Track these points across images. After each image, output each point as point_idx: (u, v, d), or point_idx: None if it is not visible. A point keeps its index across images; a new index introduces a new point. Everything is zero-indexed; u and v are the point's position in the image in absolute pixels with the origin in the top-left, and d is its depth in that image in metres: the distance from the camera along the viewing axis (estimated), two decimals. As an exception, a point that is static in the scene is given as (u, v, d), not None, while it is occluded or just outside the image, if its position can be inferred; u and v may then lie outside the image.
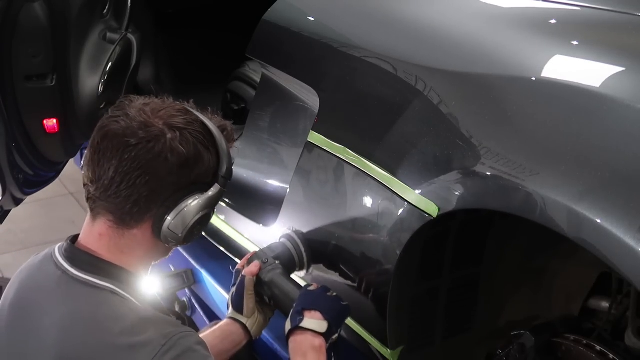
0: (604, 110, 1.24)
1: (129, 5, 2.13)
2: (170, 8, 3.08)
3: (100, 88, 2.05)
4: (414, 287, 1.60)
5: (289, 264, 1.72)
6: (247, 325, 1.64)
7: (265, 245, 1.80)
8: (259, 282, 1.65)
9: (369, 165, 1.58)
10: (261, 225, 1.98)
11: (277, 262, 1.68)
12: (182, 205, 1.32)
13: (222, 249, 2.17)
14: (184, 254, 2.27)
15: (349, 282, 1.69)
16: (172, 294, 2.40)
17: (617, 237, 1.10)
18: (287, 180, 1.87)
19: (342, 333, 1.60)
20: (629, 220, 1.10)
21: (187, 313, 2.38)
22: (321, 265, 1.75)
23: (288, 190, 1.85)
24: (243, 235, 2.06)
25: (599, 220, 1.13)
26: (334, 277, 1.72)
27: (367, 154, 1.60)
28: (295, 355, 1.49)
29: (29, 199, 2.21)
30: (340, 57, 1.73)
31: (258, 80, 2.16)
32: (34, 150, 2.01)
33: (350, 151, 1.64)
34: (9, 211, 2.19)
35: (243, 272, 1.66)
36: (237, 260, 2.09)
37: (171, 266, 2.35)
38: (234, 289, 1.67)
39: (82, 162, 1.40)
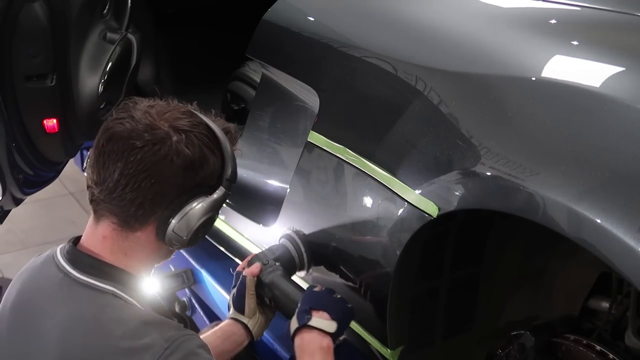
0: (604, 110, 1.24)
1: (129, 5, 2.13)
2: (170, 8, 3.08)
3: (100, 88, 2.05)
4: (414, 287, 1.60)
5: (290, 266, 1.72)
6: (249, 325, 1.64)
7: (265, 245, 1.80)
8: (260, 284, 1.65)
9: (369, 165, 1.58)
10: (261, 225, 1.98)
11: (277, 263, 1.68)
12: (187, 208, 1.32)
13: (222, 249, 2.17)
14: (184, 254, 2.28)
15: (349, 282, 1.69)
16: (172, 294, 2.40)
17: (617, 237, 1.10)
18: (287, 180, 1.87)
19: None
20: (629, 220, 1.10)
21: (187, 313, 2.38)
22: (321, 266, 1.76)
23: (288, 190, 1.85)
24: (243, 236, 2.06)
25: (599, 220, 1.13)
26: (334, 277, 1.72)
27: (367, 154, 1.60)
28: (303, 354, 1.49)
29: (29, 199, 2.21)
30: (340, 57, 1.73)
31: (258, 80, 2.16)
32: (34, 150, 2.01)
33: (350, 151, 1.64)
34: (9, 211, 2.19)
35: (244, 273, 1.66)
36: (237, 260, 2.09)
37: (171, 266, 2.36)
38: (234, 290, 1.67)
39: (84, 163, 1.40)
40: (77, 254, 1.34)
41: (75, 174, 3.39)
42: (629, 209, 1.12)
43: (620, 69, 1.31)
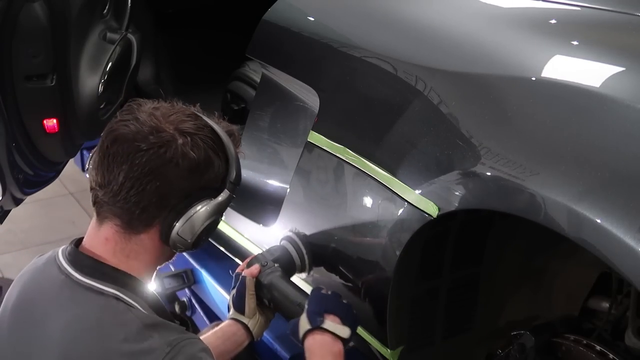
0: (604, 110, 1.24)
1: (129, 5, 2.13)
2: (170, 8, 3.08)
3: (100, 88, 2.05)
4: (414, 287, 1.60)
5: (289, 267, 1.72)
6: (249, 325, 1.64)
7: (265, 246, 1.80)
8: (259, 285, 1.65)
9: (369, 165, 1.58)
10: (261, 225, 1.98)
11: (276, 265, 1.68)
12: (192, 211, 1.32)
13: (222, 249, 2.17)
14: (184, 254, 2.27)
15: (349, 282, 1.69)
16: (172, 294, 2.41)
17: (617, 237, 1.10)
18: (287, 180, 1.87)
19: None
20: (629, 220, 1.10)
21: (187, 313, 2.38)
22: (321, 266, 1.75)
23: (288, 190, 1.85)
24: (243, 236, 2.06)
25: (599, 220, 1.13)
26: (334, 277, 1.72)
27: (367, 154, 1.60)
28: (314, 356, 1.49)
29: (29, 199, 2.21)
30: (340, 57, 1.73)
31: (258, 80, 2.16)
32: (34, 150, 2.00)
33: (350, 151, 1.64)
34: (9, 211, 2.19)
35: (243, 273, 1.66)
36: (237, 260, 2.09)
37: (171, 266, 2.36)
38: (234, 291, 1.67)
39: (87, 164, 1.39)
40: (79, 256, 1.34)
41: (75, 174, 3.39)
42: (629, 209, 1.12)
43: (620, 69, 1.31)
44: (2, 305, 1.41)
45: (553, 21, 1.53)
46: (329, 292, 1.58)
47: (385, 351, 1.63)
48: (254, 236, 2.02)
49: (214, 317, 2.26)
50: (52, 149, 2.06)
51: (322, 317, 1.51)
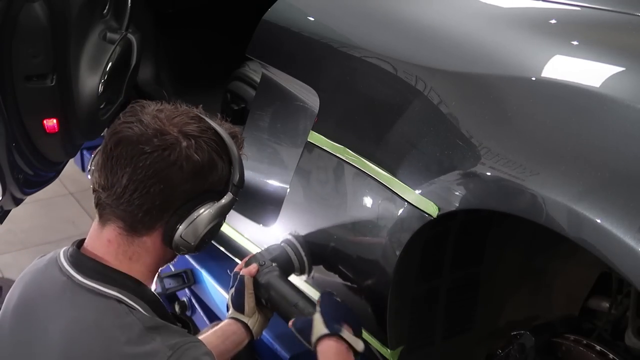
0: (604, 110, 1.24)
1: (129, 5, 2.13)
2: (170, 8, 3.08)
3: (100, 88, 2.05)
4: (413, 287, 1.60)
5: (287, 267, 1.72)
6: (249, 324, 1.64)
7: (265, 246, 1.80)
8: (256, 285, 1.65)
9: (369, 165, 1.58)
10: (261, 225, 1.98)
11: (274, 264, 1.68)
12: (195, 214, 1.32)
13: (222, 249, 2.17)
14: (184, 254, 2.27)
15: (349, 282, 1.69)
16: (172, 294, 2.40)
17: (617, 237, 1.10)
18: (287, 180, 1.87)
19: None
20: (629, 220, 1.10)
21: (187, 313, 2.38)
22: (321, 266, 1.75)
23: (288, 190, 1.85)
24: (243, 235, 2.06)
25: (599, 220, 1.13)
26: (334, 277, 1.72)
27: (367, 154, 1.60)
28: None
29: (29, 199, 2.21)
30: (340, 57, 1.73)
31: (258, 80, 2.16)
32: (34, 150, 2.00)
33: (350, 151, 1.64)
34: (9, 211, 2.19)
35: (241, 273, 1.66)
36: (237, 260, 2.09)
37: (171, 266, 2.35)
38: (232, 290, 1.67)
39: (89, 166, 1.39)
40: (81, 258, 1.34)
41: (75, 174, 3.39)
42: (629, 209, 1.12)
43: (620, 69, 1.31)
44: (3, 306, 1.40)
45: (553, 21, 1.53)
46: (339, 299, 1.58)
47: (385, 351, 1.63)
48: (254, 236, 2.02)
49: (214, 317, 2.26)
50: (52, 149, 2.06)
51: (340, 325, 1.51)
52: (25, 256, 3.34)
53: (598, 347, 1.49)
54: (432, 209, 1.42)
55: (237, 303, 1.65)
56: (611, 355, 1.48)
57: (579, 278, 1.73)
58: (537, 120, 1.31)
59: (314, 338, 1.51)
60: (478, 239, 1.61)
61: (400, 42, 1.64)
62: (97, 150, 1.35)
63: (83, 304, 1.29)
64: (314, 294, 1.77)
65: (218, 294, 2.19)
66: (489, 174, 1.32)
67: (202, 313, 2.33)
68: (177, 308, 2.38)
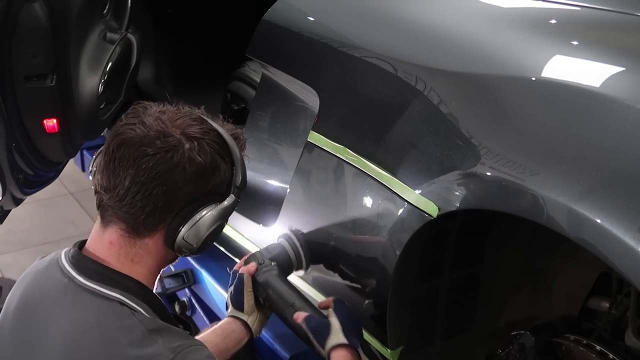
0: (604, 110, 1.24)
1: (129, 5, 2.13)
2: (170, 8, 3.08)
3: (100, 88, 2.05)
4: (413, 287, 1.60)
5: (286, 266, 1.72)
6: (249, 322, 1.63)
7: (264, 245, 1.80)
8: (254, 283, 1.65)
9: (369, 165, 1.58)
10: (261, 225, 1.98)
11: (273, 263, 1.68)
12: (197, 216, 1.32)
13: (222, 248, 2.17)
14: (184, 254, 2.27)
15: (349, 282, 1.69)
16: (172, 294, 2.40)
17: (617, 237, 1.10)
18: (287, 180, 1.87)
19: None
20: (629, 220, 1.10)
21: (187, 313, 2.38)
22: (320, 266, 1.76)
23: (288, 190, 1.85)
24: (243, 235, 2.06)
25: (599, 220, 1.13)
26: (334, 277, 1.72)
27: (367, 154, 1.60)
28: None
29: (29, 199, 2.21)
30: (340, 57, 1.73)
31: (258, 80, 2.16)
32: (34, 150, 2.01)
33: (350, 151, 1.64)
34: (9, 211, 2.19)
35: (240, 271, 1.66)
36: (237, 260, 2.09)
37: (171, 266, 2.35)
38: (232, 289, 1.67)
39: (90, 167, 1.39)
40: (82, 259, 1.33)
41: (75, 174, 3.39)
42: (629, 209, 1.12)
43: (620, 69, 1.31)
44: (4, 307, 1.40)
45: (553, 21, 1.53)
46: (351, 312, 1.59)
47: (385, 351, 1.63)
48: (254, 236, 2.02)
49: (214, 317, 2.26)
50: (52, 149, 2.07)
51: (358, 340, 1.52)
52: (25, 256, 3.34)
53: (598, 347, 1.49)
54: (432, 209, 1.42)
55: (237, 301, 1.65)
56: (611, 355, 1.48)
57: (579, 278, 1.73)
58: (537, 120, 1.31)
59: (330, 343, 1.50)
60: (478, 239, 1.61)
61: (400, 42, 1.64)
62: (98, 152, 1.34)
63: (85, 306, 1.29)
64: (313, 294, 1.77)
65: (218, 294, 2.19)
66: (489, 174, 1.32)
67: (202, 313, 2.32)
68: (177, 308, 2.38)
